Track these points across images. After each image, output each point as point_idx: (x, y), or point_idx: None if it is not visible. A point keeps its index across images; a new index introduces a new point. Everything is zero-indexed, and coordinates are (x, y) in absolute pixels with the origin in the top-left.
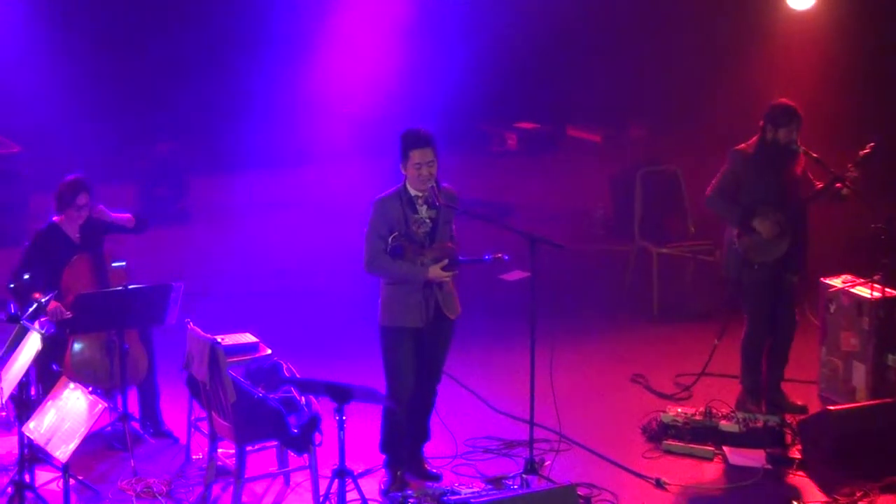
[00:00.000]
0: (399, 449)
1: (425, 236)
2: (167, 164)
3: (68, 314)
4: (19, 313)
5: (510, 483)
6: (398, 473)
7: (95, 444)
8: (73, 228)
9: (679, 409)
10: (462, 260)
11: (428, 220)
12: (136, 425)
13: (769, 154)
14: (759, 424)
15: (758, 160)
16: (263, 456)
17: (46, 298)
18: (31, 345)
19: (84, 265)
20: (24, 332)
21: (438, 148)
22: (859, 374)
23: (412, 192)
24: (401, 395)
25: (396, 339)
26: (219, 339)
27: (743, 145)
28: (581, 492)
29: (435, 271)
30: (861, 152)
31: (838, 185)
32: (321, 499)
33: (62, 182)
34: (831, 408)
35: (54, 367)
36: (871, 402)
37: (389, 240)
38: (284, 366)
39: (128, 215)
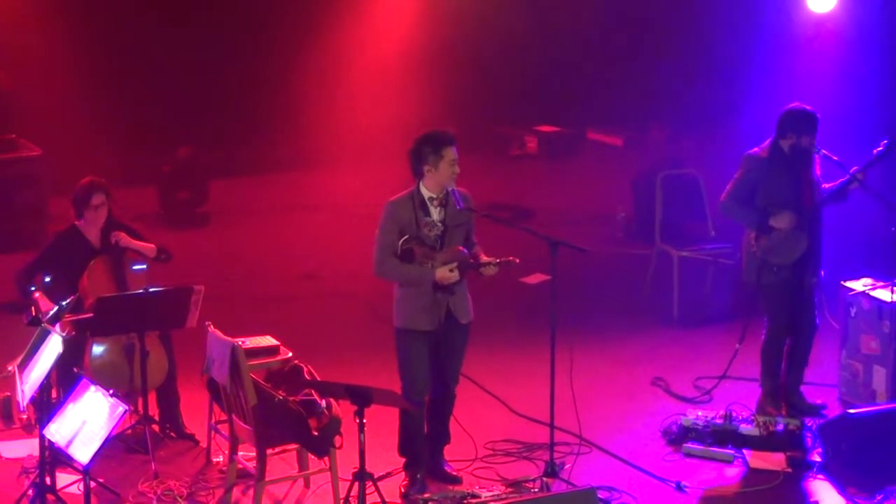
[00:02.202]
0: (417, 451)
1: (436, 239)
2: (189, 167)
3: (75, 317)
4: (40, 316)
5: (530, 486)
6: (418, 476)
7: (116, 446)
8: (94, 232)
9: (699, 413)
10: (472, 263)
11: (439, 224)
12: (156, 428)
13: (787, 158)
14: (779, 428)
15: (774, 164)
16: (284, 459)
17: (67, 302)
18: (53, 348)
19: (102, 268)
20: (45, 335)
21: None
22: (880, 378)
23: (426, 194)
24: (414, 395)
25: (409, 341)
26: (239, 342)
27: (756, 149)
28: (601, 495)
29: (442, 272)
30: (875, 150)
31: (853, 184)
32: (341, 502)
33: (78, 185)
34: (851, 411)
35: (75, 369)
36: (892, 406)
37: (400, 243)
38: (305, 368)
39: (150, 245)
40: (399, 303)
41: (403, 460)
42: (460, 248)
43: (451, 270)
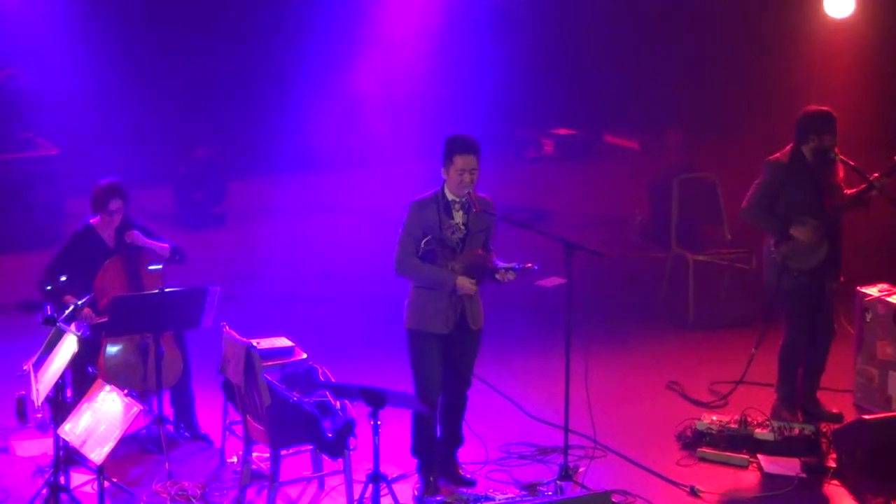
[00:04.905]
0: (430, 453)
1: (458, 242)
2: (205, 167)
3: (98, 320)
4: (56, 315)
5: (544, 489)
6: (431, 479)
7: (130, 446)
8: (109, 232)
9: (714, 417)
10: (491, 268)
11: (462, 227)
12: (170, 428)
13: (809, 164)
14: (795, 433)
15: (795, 170)
16: (298, 460)
17: (82, 301)
18: (68, 347)
19: (117, 268)
20: (60, 335)
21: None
22: (895, 384)
23: (450, 196)
24: (426, 397)
25: (421, 342)
26: (254, 343)
27: (777, 155)
28: (615, 498)
29: (463, 282)
30: (895, 156)
31: (872, 191)
32: (355, 503)
33: (97, 185)
34: (866, 417)
35: (90, 369)
36: None
37: (422, 243)
38: (319, 370)
39: (165, 245)
40: (412, 304)
41: (417, 462)
42: (480, 251)
43: (472, 283)
